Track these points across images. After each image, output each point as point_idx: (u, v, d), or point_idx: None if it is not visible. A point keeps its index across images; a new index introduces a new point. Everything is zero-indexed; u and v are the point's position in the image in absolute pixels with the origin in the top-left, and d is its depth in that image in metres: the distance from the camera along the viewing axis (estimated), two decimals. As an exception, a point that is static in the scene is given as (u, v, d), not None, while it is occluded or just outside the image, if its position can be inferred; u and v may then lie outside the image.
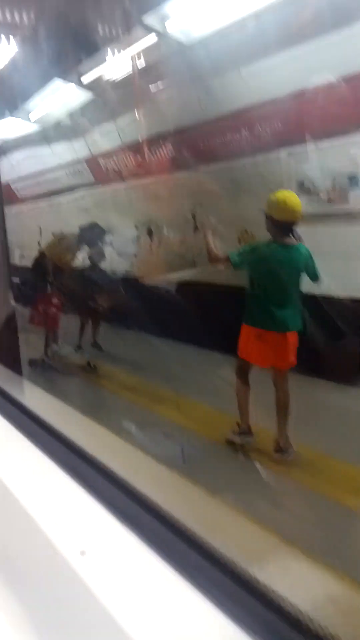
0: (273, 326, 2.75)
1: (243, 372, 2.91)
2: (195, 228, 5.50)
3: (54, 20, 5.69)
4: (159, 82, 5.33)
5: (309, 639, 0.41)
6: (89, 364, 4.46)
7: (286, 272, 2.73)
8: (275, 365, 2.85)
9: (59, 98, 6.52)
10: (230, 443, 2.92)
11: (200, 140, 5.21)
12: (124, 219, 6.58)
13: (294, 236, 2.77)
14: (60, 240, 5.10)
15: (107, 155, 6.62)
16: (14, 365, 1.35)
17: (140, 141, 5.76)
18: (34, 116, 7.23)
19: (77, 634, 0.46)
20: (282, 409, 2.78)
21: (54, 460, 0.67)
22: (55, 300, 4.78)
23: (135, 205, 6.16)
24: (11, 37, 5.89)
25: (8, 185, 9.30)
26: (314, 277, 2.80)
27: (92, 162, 6.99)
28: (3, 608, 0.50)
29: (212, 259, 2.94)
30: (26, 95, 6.84)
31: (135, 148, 5.95)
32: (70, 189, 7.64)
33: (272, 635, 0.42)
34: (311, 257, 2.79)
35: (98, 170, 6.94)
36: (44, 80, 6.32)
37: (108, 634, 0.42)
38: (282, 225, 2.74)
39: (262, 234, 4.75)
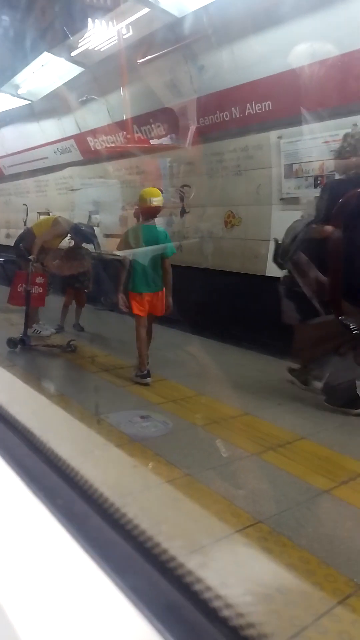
0: (150, 289, 3.63)
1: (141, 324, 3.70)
2: (183, 211, 5.41)
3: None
4: (149, 58, 5.17)
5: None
6: (68, 343, 4.38)
7: (153, 246, 3.58)
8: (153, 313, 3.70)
9: (48, 72, 6.33)
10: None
11: (189, 119, 5.08)
12: (111, 198, 6.46)
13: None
14: (54, 226, 4.94)
15: (96, 132, 6.46)
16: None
17: (129, 118, 5.62)
18: (22, 91, 7.02)
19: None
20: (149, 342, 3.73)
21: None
22: (38, 280, 4.67)
23: (123, 184, 6.03)
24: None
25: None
26: (171, 250, 3.66)
27: (80, 140, 6.83)
28: None
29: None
30: (13, 69, 6.62)
31: (123, 125, 5.80)
32: (58, 166, 7.47)
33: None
34: (167, 236, 3.73)
35: (86, 148, 6.78)
36: (32, 53, 6.11)
37: None
38: (147, 212, 3.65)
39: (251, 216, 4.69)
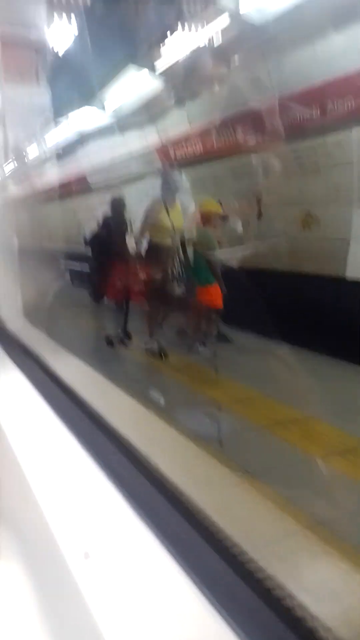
0: None
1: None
2: (260, 214, 5.34)
3: (125, 6, 5.73)
4: (229, 64, 5.18)
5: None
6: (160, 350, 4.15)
7: None
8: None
9: (133, 86, 6.54)
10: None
11: (268, 120, 5.02)
12: (191, 206, 6.55)
13: None
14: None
15: (176, 142, 6.59)
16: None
17: (209, 126, 5.67)
18: (108, 105, 7.31)
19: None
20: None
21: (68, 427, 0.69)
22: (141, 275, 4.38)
23: (202, 192, 6.11)
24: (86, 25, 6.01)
25: (84, 177, 9.60)
26: None
27: (161, 150, 7.02)
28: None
29: None
30: (100, 84, 6.94)
31: (202, 133, 5.87)
32: (141, 177, 7.72)
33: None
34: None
35: (167, 158, 6.95)
36: (118, 68, 6.36)
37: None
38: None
39: (328, 216, 4.53)
